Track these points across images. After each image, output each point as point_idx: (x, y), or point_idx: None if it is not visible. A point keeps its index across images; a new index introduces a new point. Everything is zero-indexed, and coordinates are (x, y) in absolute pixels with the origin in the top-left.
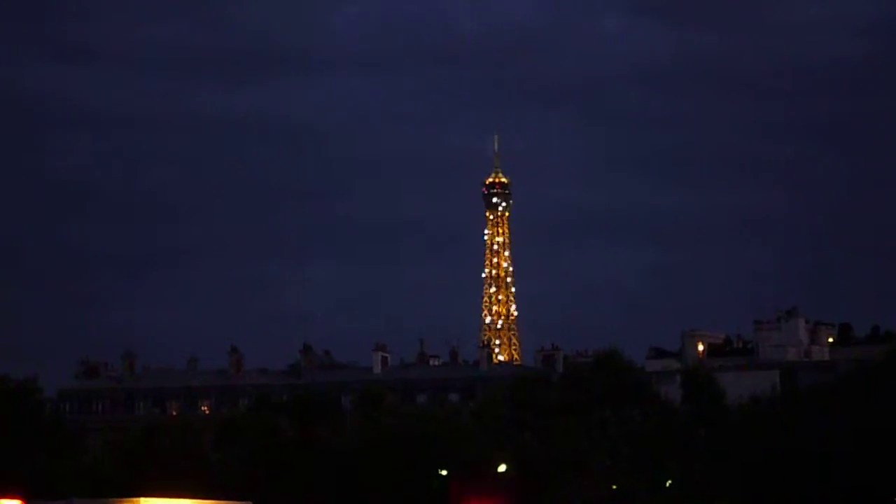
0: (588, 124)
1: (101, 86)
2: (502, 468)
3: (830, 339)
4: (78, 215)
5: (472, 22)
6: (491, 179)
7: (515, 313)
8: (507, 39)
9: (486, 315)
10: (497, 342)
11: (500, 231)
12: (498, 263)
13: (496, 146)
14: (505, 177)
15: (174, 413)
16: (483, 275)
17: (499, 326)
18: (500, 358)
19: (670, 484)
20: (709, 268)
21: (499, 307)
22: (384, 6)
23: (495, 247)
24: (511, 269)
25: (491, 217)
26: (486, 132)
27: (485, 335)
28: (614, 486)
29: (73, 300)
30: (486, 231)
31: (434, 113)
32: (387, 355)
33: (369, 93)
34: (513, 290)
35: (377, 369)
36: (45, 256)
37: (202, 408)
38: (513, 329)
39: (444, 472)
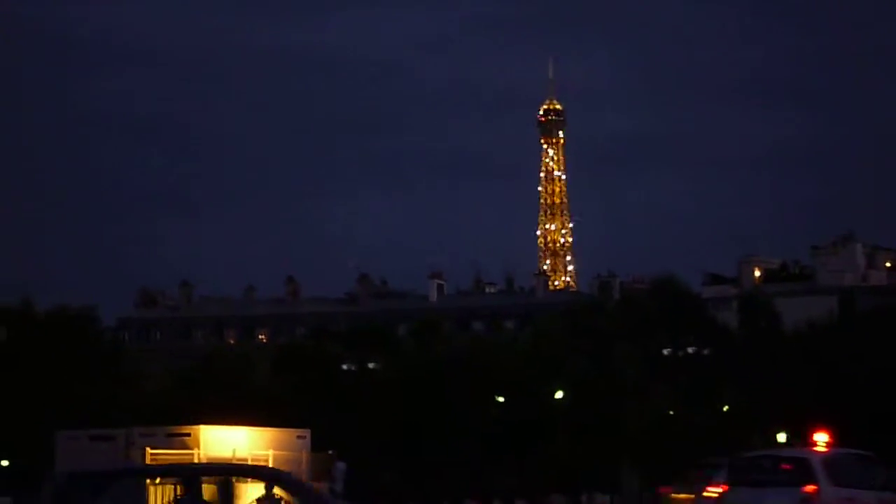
0: (644, 49)
1: (157, 21)
2: (559, 395)
3: (888, 264)
4: (133, 152)
5: None
6: (546, 106)
7: (570, 240)
8: None
9: (541, 242)
10: (553, 269)
11: (556, 157)
12: (553, 190)
13: (551, 73)
14: (560, 103)
15: (231, 342)
16: (538, 202)
17: (555, 253)
18: (557, 284)
19: (727, 410)
20: (763, 194)
21: (554, 234)
22: None
23: (550, 173)
24: (566, 195)
25: (546, 144)
26: (541, 59)
27: (540, 262)
28: (671, 412)
29: (131, 234)
30: (540, 158)
31: (487, 40)
32: (443, 283)
33: (420, 23)
34: (568, 216)
35: (433, 297)
36: (103, 193)
37: (259, 336)
38: (568, 256)
39: (500, 399)
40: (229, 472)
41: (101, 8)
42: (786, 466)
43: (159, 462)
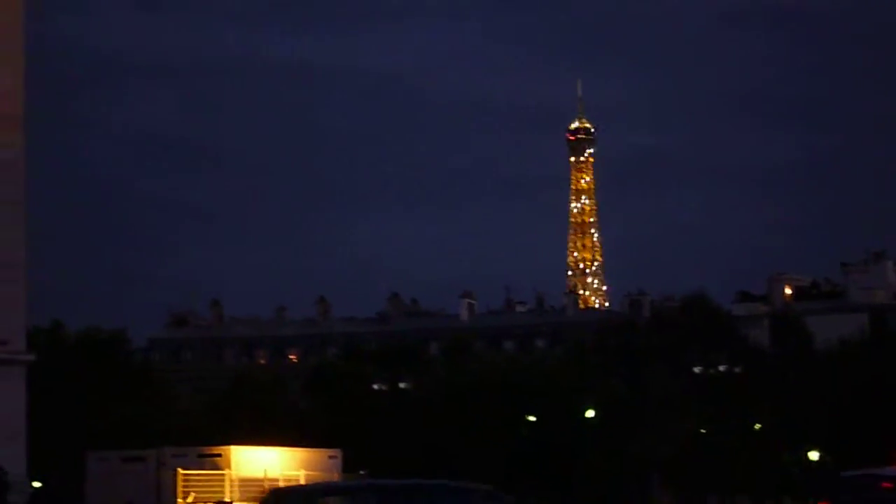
0: (669, 69)
1: (175, 34)
2: (590, 413)
3: None
4: (162, 165)
5: None
6: (575, 125)
7: (601, 259)
8: None
9: (571, 260)
10: (583, 288)
11: (585, 176)
12: (582, 208)
13: (580, 91)
14: (588, 122)
15: (262, 362)
16: (568, 220)
17: (585, 272)
18: (588, 302)
19: (759, 428)
20: (794, 210)
21: (584, 253)
22: None
23: (580, 192)
24: (595, 213)
25: (575, 162)
26: (570, 78)
27: (571, 281)
28: (703, 431)
29: (161, 251)
30: (570, 177)
31: (516, 58)
32: (473, 302)
33: (451, 39)
34: (597, 235)
35: (464, 316)
36: (134, 208)
37: (290, 356)
38: (598, 274)
39: (531, 418)
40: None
41: (122, 23)
42: (887, 485)
43: (192, 482)
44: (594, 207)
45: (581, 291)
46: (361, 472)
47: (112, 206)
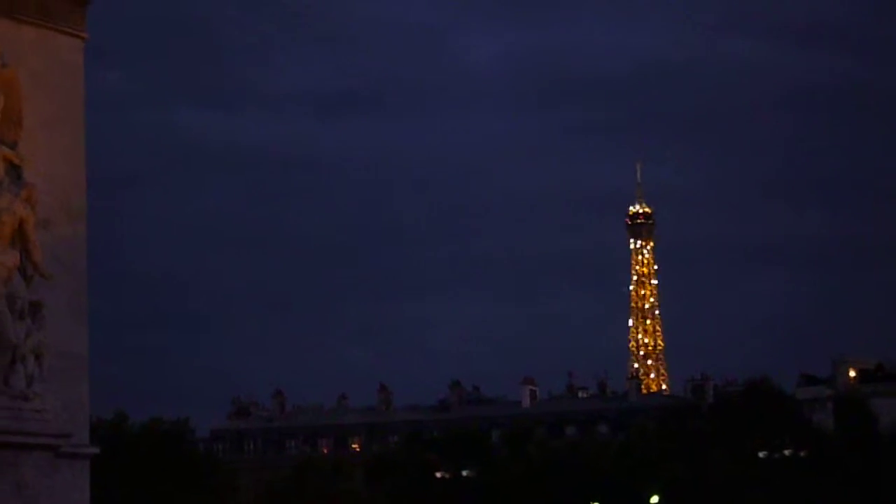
0: (730, 152)
1: (246, 127)
2: (654, 500)
3: None
4: (225, 254)
5: (611, 54)
6: (635, 209)
7: (663, 343)
8: (646, 70)
9: (633, 345)
10: (645, 373)
11: (645, 261)
12: (644, 293)
13: (639, 176)
14: (649, 206)
15: (325, 451)
16: (629, 305)
17: (647, 357)
18: (651, 387)
19: None
20: (858, 293)
21: (646, 337)
22: (522, 41)
23: (641, 277)
24: (657, 298)
25: (635, 247)
26: (629, 163)
27: (632, 366)
28: None
29: (223, 340)
30: (630, 261)
31: (575, 145)
32: (535, 388)
33: (508, 128)
34: (659, 319)
35: (526, 403)
36: (196, 297)
37: (352, 445)
38: (661, 359)
39: None
40: None
41: (196, 114)
42: None
43: None
44: (655, 291)
45: (643, 376)
46: None
47: (173, 295)
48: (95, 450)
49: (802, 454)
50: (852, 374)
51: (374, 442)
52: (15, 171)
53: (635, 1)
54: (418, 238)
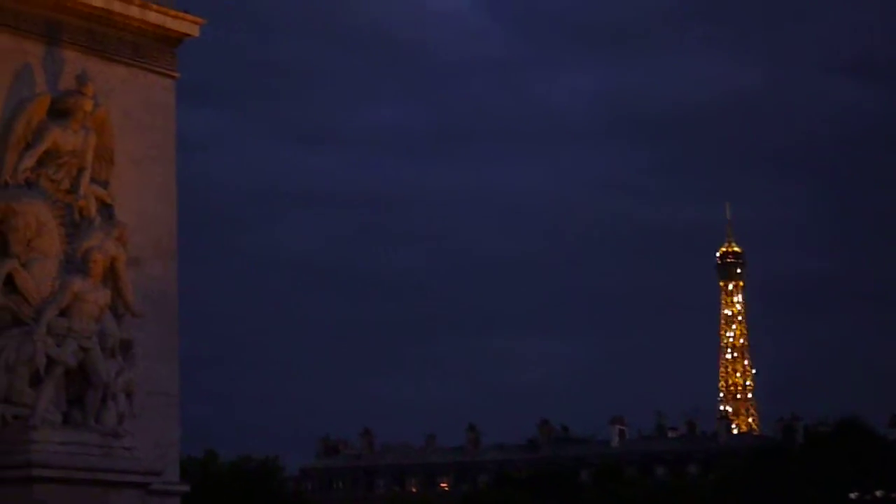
0: (820, 189)
1: (339, 167)
2: None
3: None
4: (314, 293)
5: (695, 90)
6: (724, 248)
7: (753, 383)
8: (732, 106)
9: (722, 385)
10: (735, 413)
11: (735, 300)
12: (733, 333)
13: (728, 215)
14: (738, 245)
15: (413, 490)
16: (719, 344)
17: (737, 397)
18: (740, 428)
19: None
20: None
21: (736, 377)
22: (605, 79)
23: (730, 316)
24: (747, 338)
25: (725, 286)
26: (717, 201)
27: (722, 406)
28: None
29: (312, 378)
30: (720, 300)
31: (662, 183)
32: (624, 428)
33: (596, 164)
34: (749, 359)
35: (615, 442)
36: (291, 334)
37: (441, 484)
38: (750, 399)
39: None
40: None
41: (288, 154)
42: None
43: None
44: (745, 331)
45: (733, 416)
46: None
47: (261, 333)
48: (186, 487)
49: (894, 495)
50: None
51: (462, 481)
52: (107, 209)
53: (723, 36)
54: (507, 276)
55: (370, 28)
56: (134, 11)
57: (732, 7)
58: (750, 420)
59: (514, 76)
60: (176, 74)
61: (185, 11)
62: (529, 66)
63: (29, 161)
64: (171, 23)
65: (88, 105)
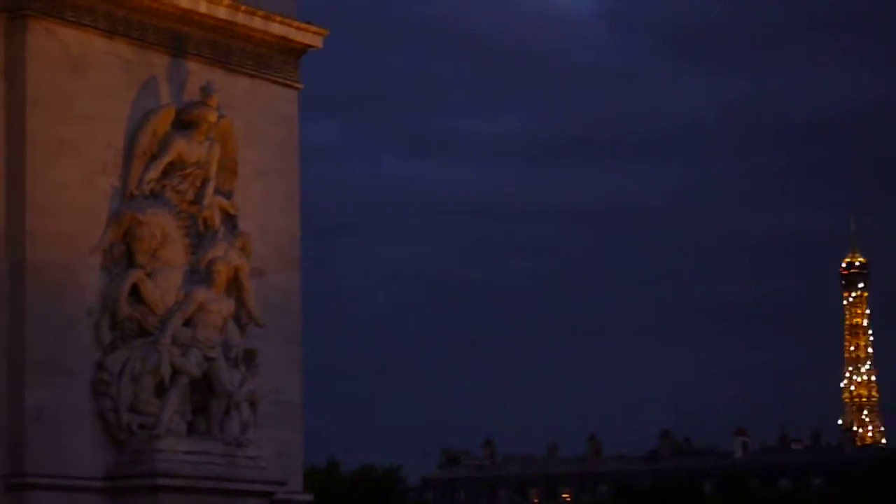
0: None
1: (453, 177)
2: None
3: None
4: (436, 302)
5: (824, 99)
6: (849, 259)
7: (878, 395)
8: (858, 116)
9: (847, 397)
10: (860, 425)
11: (860, 312)
12: (858, 344)
13: (853, 226)
14: (863, 257)
15: (535, 501)
16: (843, 355)
17: (862, 408)
18: (864, 440)
19: None
20: None
21: (860, 388)
22: (737, 87)
23: (855, 327)
24: (871, 349)
25: (850, 297)
26: (843, 212)
27: (847, 418)
28: None
29: (435, 388)
30: (844, 311)
31: (787, 192)
32: (747, 440)
33: (722, 173)
34: (875, 370)
35: (738, 454)
36: (414, 343)
37: (563, 495)
38: (875, 411)
39: None
40: None
41: (402, 163)
42: None
43: None
44: (869, 343)
45: (857, 428)
46: None
47: (384, 343)
48: (309, 497)
49: None
50: None
51: (584, 492)
52: (230, 220)
53: (848, 44)
54: (631, 285)
55: (492, 36)
56: (257, 23)
57: (875, 16)
58: (875, 431)
59: (641, 83)
60: (299, 85)
61: (309, 23)
62: (658, 73)
63: (154, 172)
64: (294, 34)
65: (213, 116)
